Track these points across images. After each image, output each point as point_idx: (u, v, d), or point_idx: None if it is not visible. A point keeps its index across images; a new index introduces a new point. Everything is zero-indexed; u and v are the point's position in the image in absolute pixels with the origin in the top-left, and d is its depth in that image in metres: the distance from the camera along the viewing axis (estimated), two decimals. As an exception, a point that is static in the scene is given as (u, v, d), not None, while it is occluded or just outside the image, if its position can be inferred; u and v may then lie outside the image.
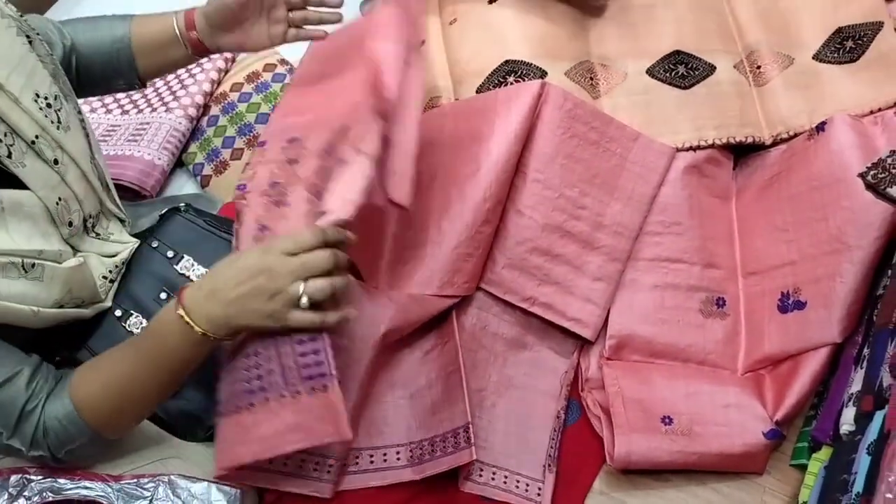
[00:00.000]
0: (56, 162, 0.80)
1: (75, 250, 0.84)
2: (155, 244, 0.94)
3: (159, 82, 1.39)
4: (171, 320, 0.74)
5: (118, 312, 0.89)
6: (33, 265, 0.76)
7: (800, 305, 0.98)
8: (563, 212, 1.01)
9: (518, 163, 1.02)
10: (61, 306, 0.81)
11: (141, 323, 0.89)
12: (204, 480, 0.80)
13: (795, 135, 1.07)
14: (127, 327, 0.89)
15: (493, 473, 1.00)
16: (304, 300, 0.72)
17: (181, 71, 1.39)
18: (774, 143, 1.09)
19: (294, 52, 1.42)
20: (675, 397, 1.00)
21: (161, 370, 0.77)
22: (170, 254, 0.93)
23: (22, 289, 0.75)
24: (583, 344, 1.06)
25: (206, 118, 1.35)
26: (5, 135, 0.75)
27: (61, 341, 0.87)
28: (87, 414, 0.77)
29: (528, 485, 1.00)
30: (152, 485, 0.81)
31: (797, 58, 1.11)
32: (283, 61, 1.41)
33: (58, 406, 0.77)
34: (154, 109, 1.33)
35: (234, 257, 0.76)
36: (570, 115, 1.01)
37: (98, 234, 0.89)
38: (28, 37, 0.81)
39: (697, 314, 1.05)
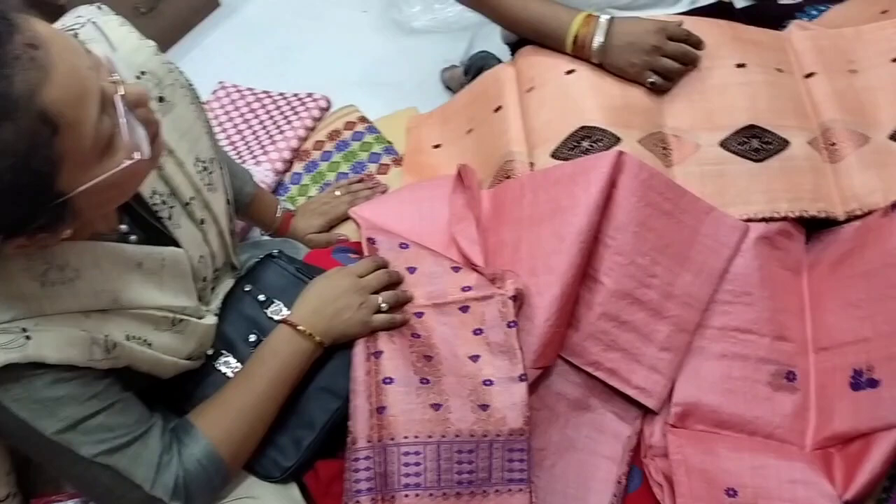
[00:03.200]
0: (202, 222, 0.88)
1: (201, 304, 0.90)
2: (248, 288, 0.99)
3: (249, 136, 1.48)
4: (286, 337, 0.89)
5: (210, 352, 0.94)
6: (181, 320, 0.83)
7: (873, 384, 0.96)
8: (634, 279, 1.03)
9: (595, 230, 1.04)
10: (190, 358, 0.87)
11: (230, 363, 0.93)
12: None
13: (870, 212, 1.07)
14: (216, 366, 0.93)
15: (551, 536, 1.00)
16: (384, 305, 0.94)
17: (271, 126, 1.48)
18: (848, 220, 1.09)
19: (374, 111, 1.50)
20: (741, 469, 0.98)
21: (278, 385, 0.87)
22: (261, 297, 0.98)
23: (168, 341, 0.82)
24: (647, 410, 1.06)
25: (289, 174, 1.42)
26: (169, 197, 0.83)
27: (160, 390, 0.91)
28: (224, 449, 0.83)
29: (586, 549, 0.99)
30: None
31: (873, 137, 1.12)
32: (363, 119, 1.48)
33: (195, 449, 0.82)
34: (243, 161, 1.41)
35: (322, 282, 0.94)
36: (646, 184, 1.03)
37: (214, 287, 0.95)
38: (195, 104, 0.89)
39: (766, 387, 1.04)
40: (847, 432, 0.97)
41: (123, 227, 0.79)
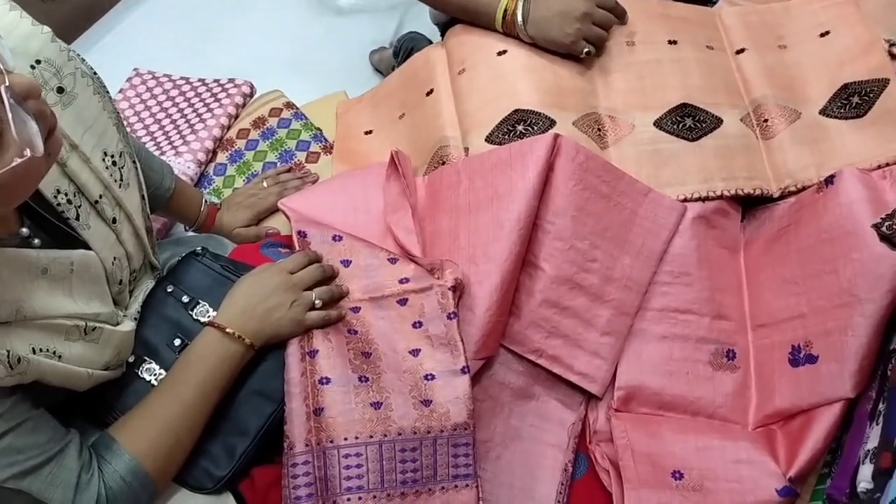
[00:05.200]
0: (114, 221, 0.81)
1: (118, 308, 0.84)
2: (170, 289, 0.93)
3: (168, 126, 1.40)
4: (213, 341, 0.84)
5: (131, 359, 0.87)
6: (94, 328, 0.77)
7: (811, 359, 0.97)
8: (574, 264, 1.01)
9: (533, 216, 1.01)
10: (107, 368, 0.81)
11: (154, 370, 0.88)
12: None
13: (804, 188, 1.07)
14: (139, 374, 0.88)
15: (499, 528, 0.98)
16: (318, 302, 0.91)
17: (191, 115, 1.41)
18: (782, 196, 1.09)
19: (301, 96, 1.45)
20: (686, 451, 0.98)
21: (206, 392, 0.82)
22: (185, 299, 0.92)
23: (81, 351, 0.75)
24: (591, 395, 1.04)
25: (213, 165, 1.35)
26: (75, 195, 0.76)
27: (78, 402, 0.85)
28: (149, 464, 0.78)
29: (534, 540, 0.98)
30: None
31: (804, 112, 1.12)
32: (289, 104, 1.42)
33: (118, 466, 0.77)
34: (163, 153, 1.33)
35: (251, 280, 0.89)
36: (583, 167, 1.01)
37: (132, 290, 0.89)
38: (100, 94, 0.82)
39: (707, 366, 1.04)
40: (788, 409, 0.98)
41: (24, 230, 0.73)
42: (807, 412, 0.96)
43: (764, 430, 1.01)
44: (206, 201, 1.16)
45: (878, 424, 0.85)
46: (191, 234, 1.20)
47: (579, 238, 1.01)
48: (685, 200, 1.07)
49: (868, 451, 0.84)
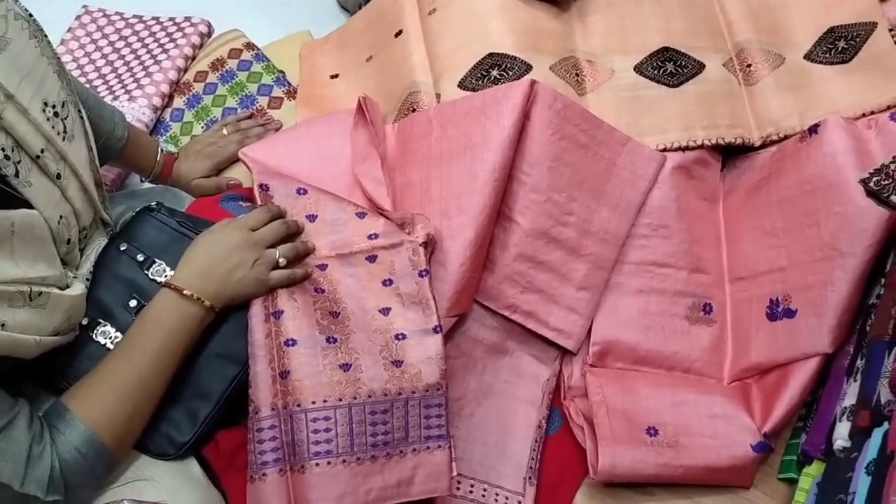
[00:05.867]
0: (59, 176, 0.75)
1: (68, 269, 0.79)
2: (124, 247, 0.87)
3: (121, 67, 1.32)
4: (170, 303, 0.79)
5: (85, 321, 0.83)
6: (39, 293, 0.71)
7: (790, 313, 0.96)
8: (550, 217, 0.97)
9: (509, 166, 0.97)
10: (58, 333, 0.76)
11: (110, 333, 0.83)
12: (161, 504, 0.74)
13: (786, 136, 1.04)
14: (93, 337, 0.83)
15: (472, 486, 0.97)
16: (282, 261, 0.86)
17: (145, 56, 1.33)
18: (764, 145, 1.06)
19: (262, 35, 1.37)
20: (661, 407, 0.97)
21: (165, 357, 0.78)
22: (140, 257, 0.87)
23: (26, 318, 0.70)
24: (566, 351, 1.02)
25: (169, 110, 1.28)
26: (13, 150, 0.69)
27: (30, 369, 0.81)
28: (105, 433, 0.74)
29: (507, 498, 0.97)
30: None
31: (788, 57, 1.09)
32: (249, 45, 1.35)
33: (72, 436, 0.73)
34: (116, 97, 1.26)
35: (210, 238, 0.84)
36: (560, 115, 0.97)
37: (83, 249, 0.84)
38: (37, 38, 0.74)
39: (683, 321, 1.02)
40: (764, 363, 0.97)
41: None
42: (783, 367, 0.95)
43: (739, 385, 1.00)
44: (162, 150, 1.10)
45: (855, 381, 0.84)
46: (147, 185, 1.14)
47: (556, 190, 0.97)
48: (665, 150, 1.04)
49: (845, 408, 0.84)
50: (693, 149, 1.04)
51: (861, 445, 0.75)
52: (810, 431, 0.90)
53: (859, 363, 0.86)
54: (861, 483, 0.70)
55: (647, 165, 1.02)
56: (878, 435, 0.72)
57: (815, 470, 0.87)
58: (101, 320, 0.84)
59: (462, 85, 1.03)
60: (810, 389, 0.93)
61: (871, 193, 0.74)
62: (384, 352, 0.86)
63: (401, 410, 0.84)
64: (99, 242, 0.87)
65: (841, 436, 0.81)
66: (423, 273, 0.90)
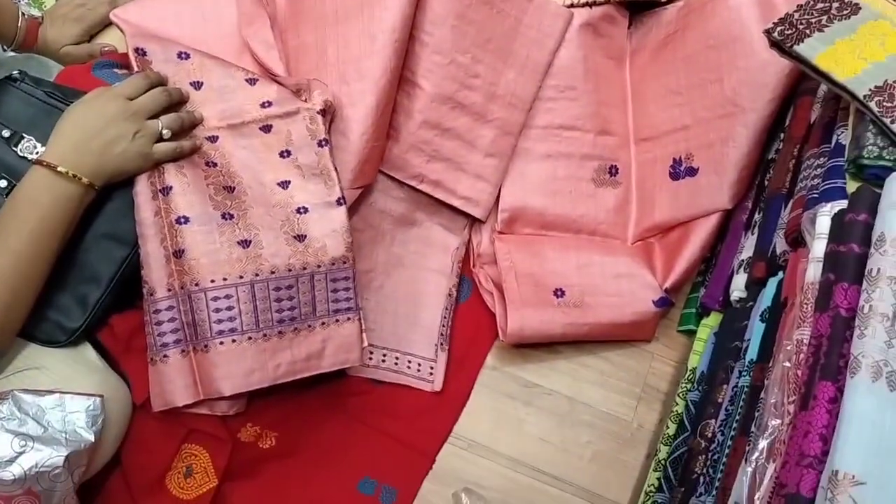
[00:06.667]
0: None
1: None
2: None
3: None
4: (44, 182, 0.72)
5: None
6: None
7: (691, 172, 0.97)
8: (455, 80, 0.93)
9: (409, 26, 0.91)
10: None
11: None
12: (55, 392, 0.70)
13: (693, -10, 1.01)
14: None
15: (384, 356, 0.97)
16: (166, 132, 0.80)
17: None
18: (671, 0, 1.03)
19: None
20: (567, 269, 0.98)
21: (43, 241, 0.72)
22: (6, 133, 0.78)
23: None
24: (474, 219, 1.01)
25: (28, -34, 1.13)
26: None
27: None
28: None
29: (419, 364, 0.98)
30: (-7, 405, 0.71)
31: None
32: None
33: None
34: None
35: (82, 109, 0.77)
36: (462, -32, 0.90)
37: None
38: None
39: (590, 183, 1.02)
40: (667, 221, 0.99)
41: None
42: (685, 224, 0.97)
43: (643, 244, 1.02)
44: (23, 14, 0.97)
45: (753, 234, 0.86)
46: (10, 54, 1.01)
47: (460, 51, 0.92)
48: (572, 6, 0.99)
49: (742, 260, 0.86)
50: (600, 4, 1.00)
51: (756, 295, 0.78)
52: (709, 285, 0.93)
53: (757, 217, 0.88)
54: (755, 330, 0.73)
55: (553, 22, 0.97)
56: (772, 284, 0.74)
57: (712, 321, 0.90)
58: None
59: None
60: (710, 245, 0.96)
61: (774, 44, 0.73)
62: (285, 226, 0.82)
63: (306, 285, 0.81)
64: None
65: (738, 287, 0.84)
66: (323, 143, 0.85)
